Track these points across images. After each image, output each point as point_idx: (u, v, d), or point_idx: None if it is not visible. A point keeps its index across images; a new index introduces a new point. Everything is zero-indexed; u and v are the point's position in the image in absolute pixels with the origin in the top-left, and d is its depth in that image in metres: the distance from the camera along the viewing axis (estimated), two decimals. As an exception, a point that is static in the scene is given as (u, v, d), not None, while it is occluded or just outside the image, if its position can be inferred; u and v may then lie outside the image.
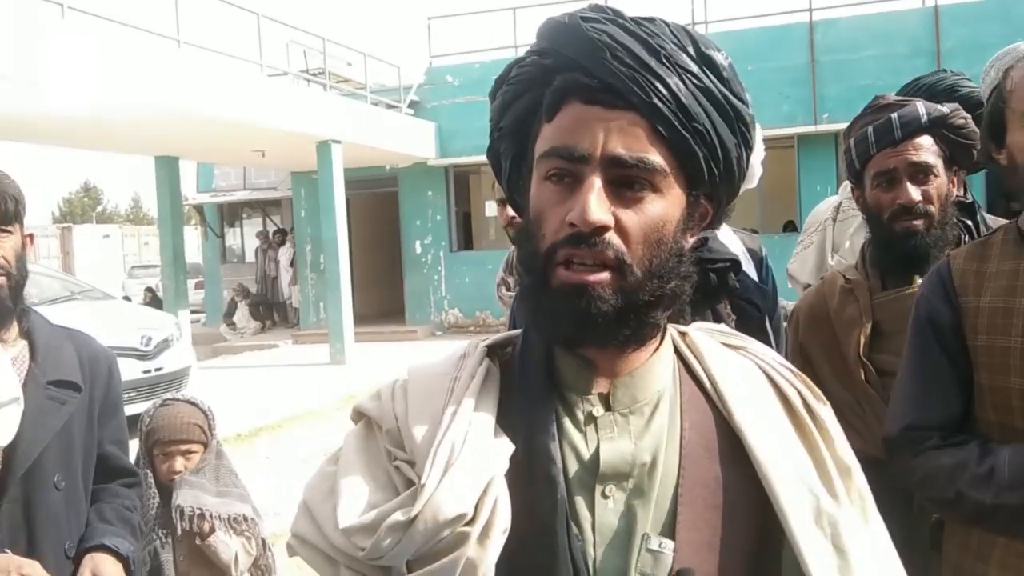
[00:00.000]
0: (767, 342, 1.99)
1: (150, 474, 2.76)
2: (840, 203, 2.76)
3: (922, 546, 1.89)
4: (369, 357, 13.78)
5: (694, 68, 0.95)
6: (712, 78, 0.96)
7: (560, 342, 0.98)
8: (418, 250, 17.59)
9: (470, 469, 0.89)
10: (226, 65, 12.43)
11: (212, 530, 2.67)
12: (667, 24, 0.97)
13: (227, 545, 2.67)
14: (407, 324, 17.43)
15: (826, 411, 1.06)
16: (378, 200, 18.64)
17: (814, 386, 1.08)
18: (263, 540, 2.81)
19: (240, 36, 14.78)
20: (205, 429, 2.83)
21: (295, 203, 18.36)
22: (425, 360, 1.06)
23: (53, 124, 10.66)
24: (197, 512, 2.67)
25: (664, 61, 0.93)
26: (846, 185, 2.76)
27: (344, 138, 13.75)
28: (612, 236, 0.91)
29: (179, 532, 2.67)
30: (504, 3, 16.72)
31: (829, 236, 2.62)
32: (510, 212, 3.11)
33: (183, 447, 2.78)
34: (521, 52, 1.04)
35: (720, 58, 0.97)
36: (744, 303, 2.05)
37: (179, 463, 2.76)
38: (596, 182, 0.90)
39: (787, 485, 0.96)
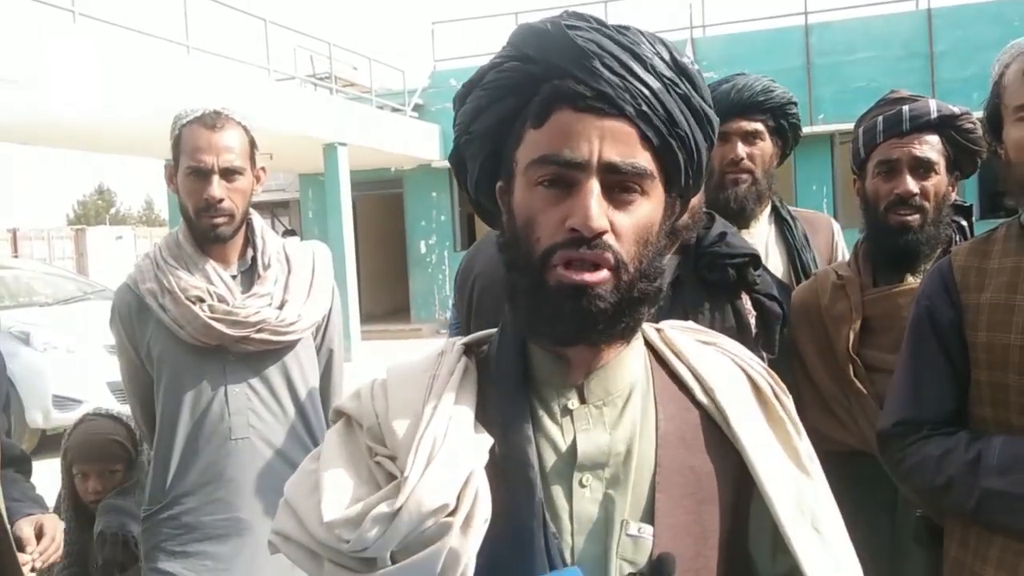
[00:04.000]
0: (783, 341, 2.06)
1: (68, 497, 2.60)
2: None
3: (906, 538, 1.96)
4: (375, 354, 13.94)
5: (673, 76, 0.97)
6: (688, 85, 0.98)
7: (558, 342, 0.99)
8: (423, 250, 17.83)
9: (451, 461, 0.91)
10: (234, 70, 12.57)
11: (135, 560, 2.41)
12: (641, 32, 0.98)
13: None
14: (412, 322, 17.63)
15: (790, 402, 1.09)
16: (383, 201, 18.86)
17: (778, 378, 1.12)
18: None
19: (248, 42, 15.08)
20: (128, 446, 2.64)
21: (303, 204, 18.66)
22: (403, 360, 1.08)
23: (65, 128, 10.78)
24: (121, 539, 2.45)
25: (649, 70, 0.95)
26: None
27: (350, 141, 13.92)
28: (609, 238, 0.93)
29: (99, 561, 2.45)
30: (506, 8, 16.92)
31: None
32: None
33: (100, 466, 2.60)
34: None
35: (690, 65, 1.00)
36: (765, 299, 2.01)
37: (96, 483, 2.58)
38: (595, 188, 0.92)
39: (770, 472, 1.00)
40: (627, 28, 0.98)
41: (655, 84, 0.95)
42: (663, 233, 0.99)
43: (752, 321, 1.99)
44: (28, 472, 2.21)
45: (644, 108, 0.93)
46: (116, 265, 26.78)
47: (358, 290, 14.59)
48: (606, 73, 0.93)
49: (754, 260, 1.97)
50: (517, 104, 0.98)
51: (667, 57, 0.98)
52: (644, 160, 0.94)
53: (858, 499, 1.95)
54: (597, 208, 0.91)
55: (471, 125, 1.03)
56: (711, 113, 1.01)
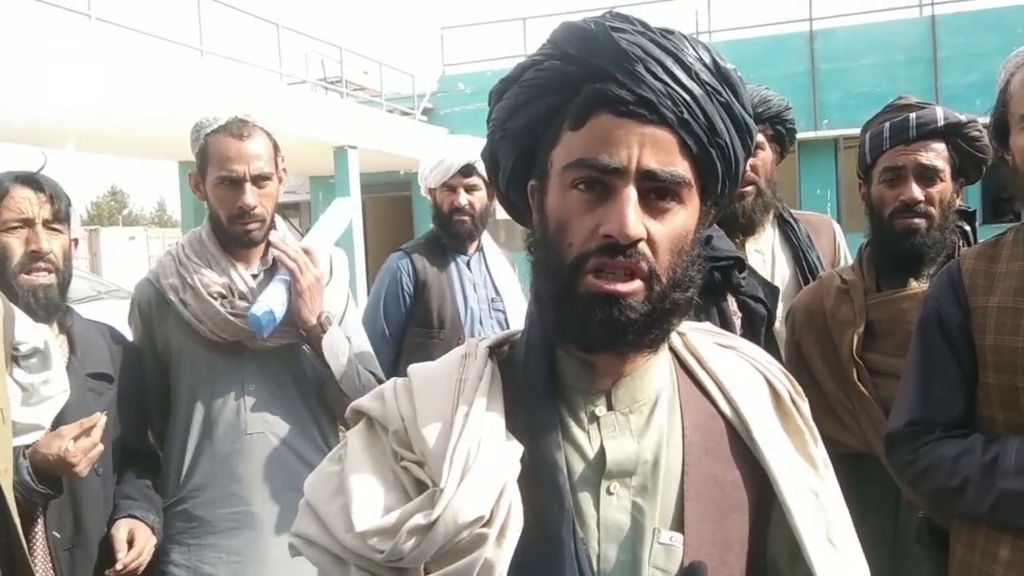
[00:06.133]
0: (772, 340, 2.11)
1: None
2: None
3: (908, 539, 1.98)
4: (383, 354, 14.05)
5: (716, 84, 0.94)
6: (729, 93, 0.96)
7: (586, 348, 0.97)
8: (431, 252, 17.93)
9: (486, 473, 0.90)
10: (247, 74, 12.73)
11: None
12: (685, 37, 0.96)
13: None
14: (420, 324, 17.72)
15: (806, 407, 1.09)
16: (393, 204, 18.97)
17: (796, 382, 1.11)
18: None
19: (261, 46, 15.27)
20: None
21: (313, 206, 18.78)
22: (425, 363, 1.07)
23: (79, 131, 10.79)
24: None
25: (693, 76, 0.93)
26: None
27: (360, 144, 14.02)
28: (644, 247, 0.91)
29: None
30: (515, 14, 17.04)
31: None
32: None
33: None
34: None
35: (733, 71, 0.97)
36: (750, 300, 2.03)
37: None
38: (632, 195, 0.90)
39: (791, 485, 0.99)
40: (671, 32, 0.96)
41: (698, 91, 0.93)
42: (697, 242, 0.97)
43: (737, 322, 2.04)
44: (154, 469, 2.31)
45: (686, 115, 0.91)
46: (129, 265, 27.02)
47: (367, 291, 14.71)
48: (649, 78, 0.91)
49: (738, 263, 2.01)
50: (555, 103, 0.96)
51: (710, 63, 0.96)
52: (683, 168, 0.92)
53: (860, 499, 2.03)
54: (634, 215, 0.89)
55: (506, 122, 1.01)
56: (751, 123, 0.99)
